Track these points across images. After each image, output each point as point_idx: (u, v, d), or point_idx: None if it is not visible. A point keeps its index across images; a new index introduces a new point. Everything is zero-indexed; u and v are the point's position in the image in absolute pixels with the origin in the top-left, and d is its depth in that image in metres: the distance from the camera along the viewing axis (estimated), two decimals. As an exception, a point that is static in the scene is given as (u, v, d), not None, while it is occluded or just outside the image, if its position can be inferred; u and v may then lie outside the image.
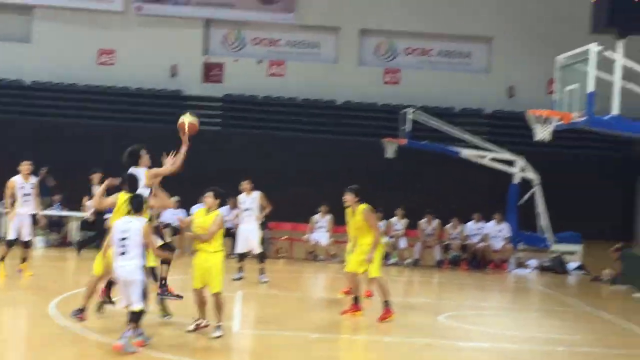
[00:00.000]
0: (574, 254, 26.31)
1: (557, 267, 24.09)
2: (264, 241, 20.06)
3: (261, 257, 18.50)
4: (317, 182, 35.80)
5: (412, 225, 24.62)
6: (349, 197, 14.46)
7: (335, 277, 20.38)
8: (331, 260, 23.38)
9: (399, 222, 24.19)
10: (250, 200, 18.83)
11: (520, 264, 24.38)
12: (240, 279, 18.24)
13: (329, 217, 23.99)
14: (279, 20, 39.97)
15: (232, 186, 18.34)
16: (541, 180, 29.67)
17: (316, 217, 24.09)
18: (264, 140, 37.16)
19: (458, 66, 40.63)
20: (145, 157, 12.67)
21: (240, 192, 19.15)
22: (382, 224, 23.95)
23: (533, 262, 24.61)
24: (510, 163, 29.40)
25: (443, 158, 31.18)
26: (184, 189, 20.65)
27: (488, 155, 29.19)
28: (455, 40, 40.56)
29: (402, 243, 23.98)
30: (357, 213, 14.32)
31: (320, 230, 23.92)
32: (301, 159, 36.90)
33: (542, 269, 24.23)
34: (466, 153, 29.32)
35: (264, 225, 20.32)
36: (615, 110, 14.94)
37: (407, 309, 15.81)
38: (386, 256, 23.60)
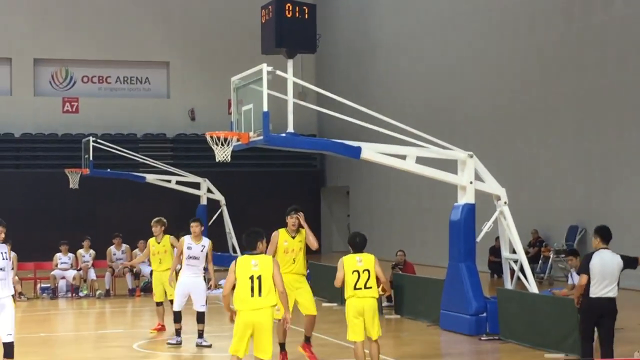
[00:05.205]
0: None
1: (248, 284, 24.41)
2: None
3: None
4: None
5: (100, 256, 24.07)
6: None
7: None
8: None
9: (86, 254, 23.60)
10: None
11: (215, 285, 24.50)
12: None
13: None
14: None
15: None
16: (228, 199, 30.20)
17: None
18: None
19: (138, 92, 40.42)
20: None
21: None
22: (69, 256, 23.33)
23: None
24: (196, 185, 29.70)
25: (130, 185, 30.97)
26: None
27: (173, 179, 29.33)
28: (133, 67, 40.33)
29: (92, 274, 23.39)
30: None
31: None
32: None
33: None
34: (151, 178, 29.29)
35: None
36: (290, 127, 15.38)
37: (102, 340, 15.46)
38: (76, 289, 23.02)
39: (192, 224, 15.05)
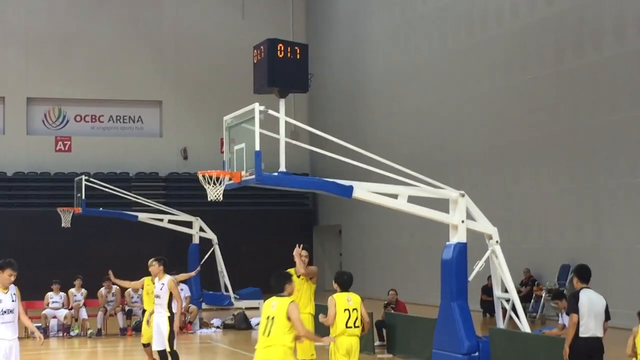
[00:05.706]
0: (256, 309, 26.81)
1: (240, 324, 24.36)
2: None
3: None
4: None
5: (91, 295, 24.00)
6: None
7: None
8: None
9: (78, 293, 23.54)
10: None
11: (205, 324, 24.45)
12: None
13: None
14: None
15: None
16: (221, 238, 30.16)
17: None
18: None
19: (130, 131, 40.47)
20: None
21: None
22: (61, 295, 23.27)
23: (217, 321, 24.77)
24: (188, 224, 29.68)
25: (122, 224, 30.92)
26: None
27: (166, 218, 29.32)
28: (126, 106, 40.41)
29: (83, 313, 23.32)
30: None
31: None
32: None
33: (226, 326, 24.42)
34: (144, 217, 29.27)
35: None
36: (282, 166, 15.39)
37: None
38: (68, 329, 22.92)
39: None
